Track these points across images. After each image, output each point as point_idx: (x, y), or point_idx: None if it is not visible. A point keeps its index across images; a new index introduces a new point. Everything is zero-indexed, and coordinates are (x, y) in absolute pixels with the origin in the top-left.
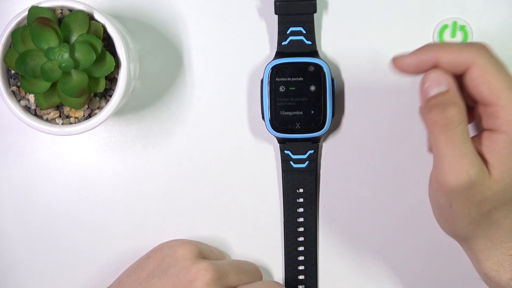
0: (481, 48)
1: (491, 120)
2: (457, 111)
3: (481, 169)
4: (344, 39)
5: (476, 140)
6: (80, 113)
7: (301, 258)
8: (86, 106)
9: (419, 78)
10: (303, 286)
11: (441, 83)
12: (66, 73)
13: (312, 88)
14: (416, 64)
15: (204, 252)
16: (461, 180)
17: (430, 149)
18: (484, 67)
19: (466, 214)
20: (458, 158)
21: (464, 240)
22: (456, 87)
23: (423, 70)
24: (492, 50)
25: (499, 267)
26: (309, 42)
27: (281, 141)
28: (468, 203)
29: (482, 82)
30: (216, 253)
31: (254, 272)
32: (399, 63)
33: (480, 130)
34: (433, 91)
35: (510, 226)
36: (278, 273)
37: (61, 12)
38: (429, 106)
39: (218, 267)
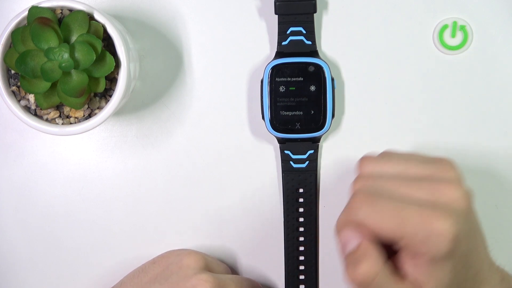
0: (353, 204)
1: (408, 249)
2: (369, 265)
3: None
4: (344, 39)
5: (404, 260)
6: (80, 113)
7: (301, 258)
8: (86, 106)
9: (423, 82)
10: (303, 286)
11: (349, 241)
12: (66, 73)
13: (312, 88)
14: (343, 246)
15: (210, 265)
16: None
17: None
18: (368, 221)
19: None
20: None
21: None
22: (367, 239)
23: (350, 241)
24: (366, 199)
25: None
26: (309, 42)
27: (281, 141)
28: None
29: (377, 232)
30: (222, 267)
31: None
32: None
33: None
34: (348, 248)
35: None
36: (278, 273)
37: (61, 12)
38: (346, 264)
39: (219, 280)
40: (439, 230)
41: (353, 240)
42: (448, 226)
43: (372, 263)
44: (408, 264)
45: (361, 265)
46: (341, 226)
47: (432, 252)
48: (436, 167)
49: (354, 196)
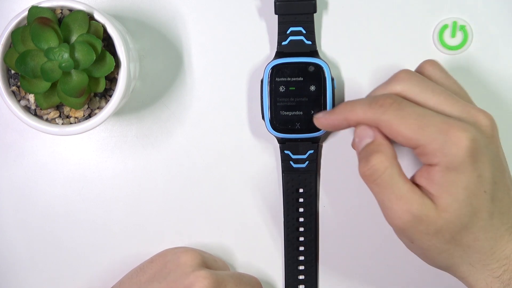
0: (383, 104)
1: (422, 157)
2: (380, 159)
3: (422, 203)
4: (344, 39)
5: (418, 174)
6: (80, 113)
7: (301, 258)
8: (86, 106)
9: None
10: (303, 286)
11: (367, 136)
12: (66, 73)
13: (312, 88)
14: (332, 125)
15: (207, 262)
16: (405, 220)
17: None
18: (389, 123)
19: (431, 247)
20: (394, 202)
21: (448, 269)
22: (381, 135)
23: (340, 129)
24: (401, 97)
25: None
26: (309, 42)
27: (281, 141)
28: (426, 236)
29: (395, 136)
30: (220, 263)
31: (254, 285)
32: (318, 122)
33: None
34: (362, 145)
35: (486, 248)
36: (278, 273)
37: (61, 12)
38: (359, 159)
39: (218, 276)
40: (456, 138)
41: (369, 136)
42: (465, 136)
43: (383, 156)
44: (422, 177)
45: (373, 158)
46: (364, 121)
47: (446, 161)
48: (474, 105)
49: (384, 96)
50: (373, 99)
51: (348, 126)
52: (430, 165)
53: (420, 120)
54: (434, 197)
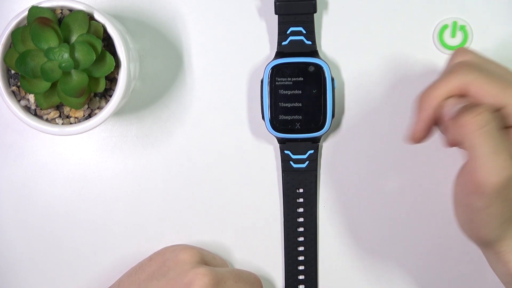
0: (464, 67)
1: (510, 118)
2: (486, 108)
3: None
4: (344, 39)
5: (507, 137)
6: (80, 113)
7: (301, 258)
8: (86, 106)
9: (423, 82)
10: (303, 286)
11: (459, 103)
12: (66, 73)
13: (312, 88)
14: (427, 124)
15: (206, 259)
16: (501, 177)
17: (450, 144)
18: (477, 81)
19: (500, 214)
20: (495, 156)
21: (491, 243)
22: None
23: (436, 123)
24: (473, 64)
25: None
26: (309, 42)
27: (281, 141)
28: (505, 201)
29: (483, 95)
30: (218, 260)
31: (253, 282)
32: (415, 138)
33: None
34: (456, 108)
35: None
36: (278, 273)
37: (61, 12)
38: (458, 113)
39: (217, 273)
40: None
41: (460, 102)
42: None
43: (487, 109)
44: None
45: (480, 108)
46: (439, 94)
47: None
48: None
49: (458, 63)
50: (449, 69)
51: (436, 117)
52: None
53: (503, 80)
54: None
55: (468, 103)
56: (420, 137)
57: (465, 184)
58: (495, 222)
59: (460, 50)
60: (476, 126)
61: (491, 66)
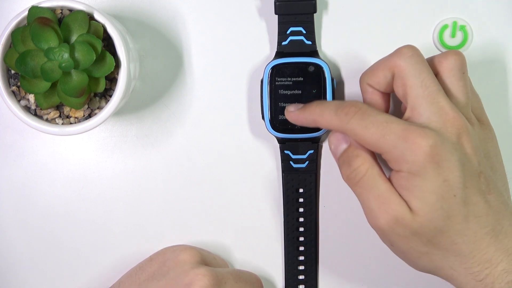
0: (348, 113)
1: (388, 163)
2: (361, 161)
3: (399, 205)
4: (344, 39)
5: (391, 179)
6: (80, 113)
7: (301, 258)
8: (86, 106)
9: None
10: (303, 286)
11: (343, 141)
12: (66, 73)
13: (312, 88)
14: (301, 122)
15: (206, 259)
16: (384, 221)
17: None
18: (353, 132)
19: (409, 249)
20: (374, 202)
21: (433, 272)
22: (353, 142)
23: (310, 125)
24: (360, 110)
25: None
26: (309, 42)
27: (281, 141)
28: (403, 239)
29: (361, 143)
30: (219, 261)
31: (254, 282)
32: (289, 116)
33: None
34: (339, 150)
35: (465, 252)
36: (278, 273)
37: (61, 12)
38: (339, 164)
39: (217, 273)
40: (414, 145)
41: (344, 142)
42: (425, 143)
43: (363, 159)
44: (394, 182)
45: (354, 162)
46: (330, 127)
47: (408, 167)
48: (451, 108)
49: (350, 105)
50: (339, 106)
51: (317, 127)
52: (396, 171)
53: (382, 128)
54: (407, 202)
55: (346, 151)
56: (292, 120)
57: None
58: (411, 257)
59: (405, 49)
60: (353, 180)
61: (416, 81)
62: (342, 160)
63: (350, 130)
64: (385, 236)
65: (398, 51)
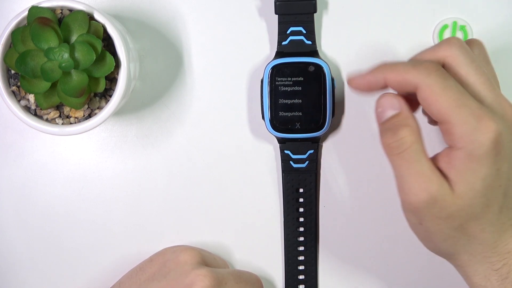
0: (429, 67)
1: (447, 136)
2: (408, 132)
3: (441, 185)
4: (344, 39)
5: (438, 157)
6: (80, 113)
7: (301, 258)
8: (86, 106)
9: None
10: (303, 286)
11: (392, 107)
12: (66, 73)
13: (312, 88)
14: (368, 84)
15: (206, 260)
16: (421, 198)
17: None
18: (430, 88)
19: (438, 231)
20: (414, 178)
21: (448, 256)
22: (408, 108)
23: (375, 89)
24: (441, 70)
25: (486, 282)
26: (309, 42)
27: (281, 141)
28: (436, 219)
29: (430, 103)
30: (219, 261)
31: (254, 282)
32: (353, 83)
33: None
34: (386, 115)
35: (489, 241)
36: (278, 273)
37: (61, 12)
38: (382, 130)
39: (218, 274)
40: (486, 128)
41: (394, 107)
42: (495, 128)
43: (412, 131)
44: (443, 160)
45: (401, 130)
46: (403, 80)
47: (470, 148)
48: (505, 97)
49: (430, 62)
50: (418, 61)
51: (384, 86)
52: (453, 148)
53: (459, 97)
54: (451, 182)
55: (395, 117)
56: (355, 86)
57: (400, 202)
58: (437, 238)
59: (454, 40)
60: (395, 151)
61: (470, 69)
62: (387, 126)
63: (427, 85)
64: (416, 213)
65: (446, 42)
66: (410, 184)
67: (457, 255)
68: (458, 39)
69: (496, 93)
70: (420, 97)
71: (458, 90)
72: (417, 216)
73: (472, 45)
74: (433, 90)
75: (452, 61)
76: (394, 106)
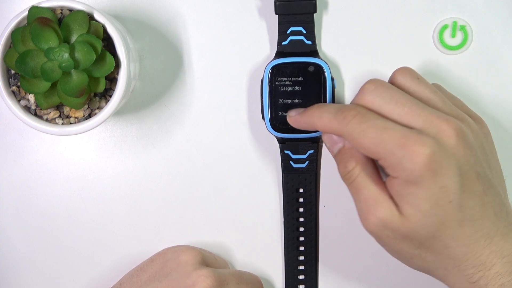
0: (346, 116)
1: (384, 168)
2: (354, 163)
3: (388, 208)
4: (344, 39)
5: (386, 183)
6: (80, 113)
7: (301, 258)
8: (86, 106)
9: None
10: (303, 286)
11: (335, 142)
12: (66, 73)
13: (312, 88)
14: (302, 126)
15: (207, 260)
16: (372, 222)
17: None
18: (351, 136)
19: (401, 250)
20: (364, 203)
21: (425, 271)
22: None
23: (310, 129)
24: (364, 109)
25: None
26: (309, 42)
27: (281, 141)
28: (393, 240)
29: (357, 147)
30: (220, 261)
31: (255, 283)
32: (291, 120)
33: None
34: (334, 150)
35: (458, 255)
36: (278, 273)
37: (61, 12)
38: (337, 163)
39: (219, 274)
40: (412, 153)
41: (339, 141)
42: (423, 151)
43: (356, 161)
44: (388, 186)
45: (348, 163)
46: (328, 130)
47: (405, 175)
48: (439, 114)
49: (349, 108)
50: (339, 109)
51: (316, 130)
52: (391, 176)
53: (379, 134)
54: (398, 206)
55: (341, 151)
56: (293, 123)
57: None
58: (404, 258)
59: (367, 85)
60: (348, 181)
61: (389, 106)
62: (338, 160)
63: (347, 134)
64: (374, 236)
65: (360, 91)
66: (362, 209)
67: (432, 271)
68: (371, 83)
69: (425, 114)
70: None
71: (378, 128)
72: (377, 238)
73: (395, 76)
74: (354, 137)
75: (372, 106)
76: (337, 141)
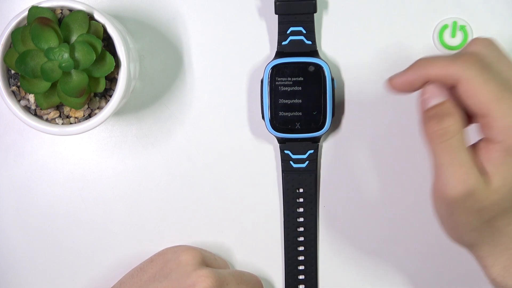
0: (468, 60)
1: (486, 130)
2: (453, 122)
3: (478, 178)
4: (344, 39)
5: (475, 149)
6: (80, 113)
7: (301, 258)
8: (86, 106)
9: None
10: (303, 286)
11: (438, 95)
12: (66, 73)
13: (312, 88)
14: (409, 83)
15: (207, 260)
16: (459, 190)
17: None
18: (471, 81)
19: (466, 223)
20: (455, 168)
21: (469, 246)
22: (451, 99)
23: (416, 88)
24: (482, 59)
25: (505, 273)
26: (309, 42)
27: (281, 141)
28: (468, 212)
29: (470, 96)
30: (220, 261)
31: (255, 283)
32: (393, 84)
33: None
34: (431, 103)
35: None
36: (278, 273)
37: (61, 12)
38: (427, 117)
39: (219, 275)
40: None
41: (438, 96)
42: None
43: (457, 119)
44: (480, 153)
45: (447, 119)
46: (443, 75)
47: (509, 141)
48: None
49: (468, 54)
50: (456, 55)
51: (423, 83)
52: (492, 141)
53: (500, 90)
54: (488, 175)
55: (440, 105)
56: (396, 87)
57: (433, 191)
58: (463, 229)
59: (478, 39)
60: (439, 139)
61: (503, 67)
62: (432, 114)
63: (468, 78)
64: (449, 204)
65: (460, 59)
66: (449, 174)
67: (479, 246)
68: (483, 38)
69: None
70: (460, 90)
71: (499, 83)
72: (449, 207)
73: (478, 46)
74: (474, 83)
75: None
76: (439, 95)
